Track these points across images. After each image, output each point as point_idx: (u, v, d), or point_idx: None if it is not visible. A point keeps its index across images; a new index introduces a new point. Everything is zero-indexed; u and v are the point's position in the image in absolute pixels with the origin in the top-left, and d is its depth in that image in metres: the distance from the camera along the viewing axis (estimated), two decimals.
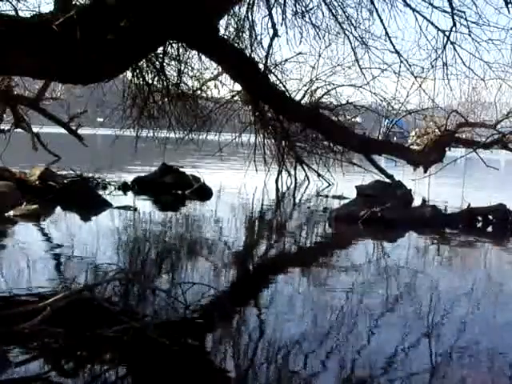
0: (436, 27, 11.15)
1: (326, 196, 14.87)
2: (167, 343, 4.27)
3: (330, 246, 9.43)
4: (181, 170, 14.72)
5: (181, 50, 10.89)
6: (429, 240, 9.85)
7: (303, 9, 11.29)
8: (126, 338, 4.34)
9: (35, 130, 18.48)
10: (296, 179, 16.89)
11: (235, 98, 14.93)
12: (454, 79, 12.58)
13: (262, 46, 11.72)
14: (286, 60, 14.03)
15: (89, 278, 6.14)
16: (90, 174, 14.57)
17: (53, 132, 19.85)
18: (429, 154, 13.08)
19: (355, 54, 12.24)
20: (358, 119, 19.41)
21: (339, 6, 11.54)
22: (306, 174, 17.11)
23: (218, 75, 13.19)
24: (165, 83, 11.30)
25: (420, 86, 12.96)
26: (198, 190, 13.66)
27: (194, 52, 10.85)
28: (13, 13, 7.57)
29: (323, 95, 15.30)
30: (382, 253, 8.63)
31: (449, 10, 10.78)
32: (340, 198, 13.88)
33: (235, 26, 11.25)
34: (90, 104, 17.94)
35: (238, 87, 13.51)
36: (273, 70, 12.93)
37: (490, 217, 10.84)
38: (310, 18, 11.50)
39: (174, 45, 10.49)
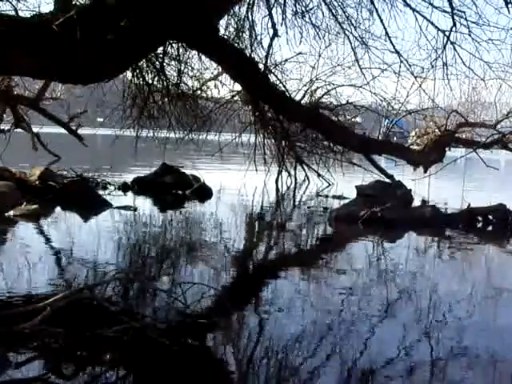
0: (436, 27, 11.17)
1: (326, 196, 14.86)
2: (167, 343, 4.27)
3: (330, 246, 9.42)
4: (181, 170, 14.72)
5: (181, 50, 10.90)
6: (429, 240, 9.86)
7: (303, 9, 11.30)
8: (126, 338, 4.34)
9: (35, 130, 18.48)
10: (296, 179, 16.89)
11: (235, 98, 14.93)
12: (454, 79, 12.60)
13: (262, 46, 11.75)
14: (286, 60, 14.05)
15: (89, 278, 6.14)
16: (90, 174, 14.57)
17: (53, 132, 19.85)
18: (429, 154, 13.08)
19: (355, 54, 12.27)
20: (358, 119, 19.41)
21: (339, 6, 11.56)
22: (306, 174, 17.11)
23: (218, 75, 13.20)
24: (165, 83, 11.31)
25: (420, 86, 12.98)
26: (198, 189, 13.66)
27: (194, 52, 10.85)
28: (13, 13, 7.58)
29: (323, 95, 15.31)
30: (382, 253, 8.63)
31: (449, 9, 10.80)
32: (340, 198, 13.88)
33: (235, 26, 11.27)
34: (90, 104, 17.94)
35: (238, 87, 13.53)
36: (273, 70, 12.93)
37: (490, 217, 10.84)
38: (309, 18, 11.52)
39: (173, 45, 10.49)
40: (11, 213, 9.42)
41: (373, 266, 7.63)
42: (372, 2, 11.21)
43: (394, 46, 11.71)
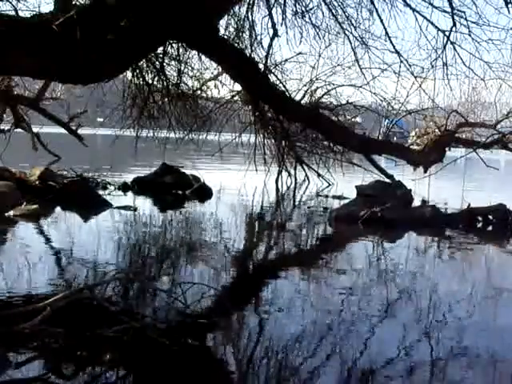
0: (436, 27, 11.17)
1: (326, 196, 14.86)
2: (167, 343, 4.27)
3: (330, 246, 9.42)
4: (181, 170, 14.72)
5: (181, 50, 10.90)
6: (429, 240, 9.86)
7: (303, 9, 11.30)
8: (126, 338, 4.34)
9: (35, 130, 18.48)
10: (296, 179, 16.89)
11: (235, 98, 14.93)
12: (454, 79, 12.60)
13: (262, 46, 11.75)
14: (286, 60, 14.05)
15: (89, 278, 6.14)
16: (90, 174, 14.58)
17: (53, 132, 19.85)
18: (429, 154, 13.09)
19: (355, 54, 12.27)
20: (358, 119, 19.41)
21: (339, 6, 11.56)
22: (306, 174, 17.11)
23: (218, 75, 13.20)
24: (165, 83, 11.31)
25: (420, 86, 12.98)
26: (198, 189, 13.65)
27: (194, 52, 10.85)
28: (13, 13, 7.58)
29: (323, 95, 15.31)
30: (382, 253, 8.63)
31: (449, 9, 10.80)
32: (340, 198, 13.88)
33: (235, 26, 11.27)
34: (90, 104, 17.95)
35: (238, 87, 13.54)
36: (273, 70, 12.93)
37: (490, 217, 10.84)
38: (309, 18, 11.52)
39: (174, 45, 10.49)
40: (11, 213, 9.42)
41: (373, 266, 7.63)
42: (372, 2, 11.22)
43: (394, 46, 11.73)
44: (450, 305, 5.81)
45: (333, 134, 12.66)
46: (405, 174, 14.85)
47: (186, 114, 12.96)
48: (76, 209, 10.80)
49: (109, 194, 12.64)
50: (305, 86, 15.12)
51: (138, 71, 10.87)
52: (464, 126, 14.58)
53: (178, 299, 5.16)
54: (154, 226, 10.27)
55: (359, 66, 12.66)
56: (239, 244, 8.98)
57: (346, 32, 11.83)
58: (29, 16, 6.91)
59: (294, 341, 4.65)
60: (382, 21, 11.20)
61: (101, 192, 12.56)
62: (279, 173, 16.53)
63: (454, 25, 10.90)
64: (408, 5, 11.21)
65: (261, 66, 11.14)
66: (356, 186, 12.81)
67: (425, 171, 13.50)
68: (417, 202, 12.59)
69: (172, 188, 13.97)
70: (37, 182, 12.09)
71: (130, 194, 13.48)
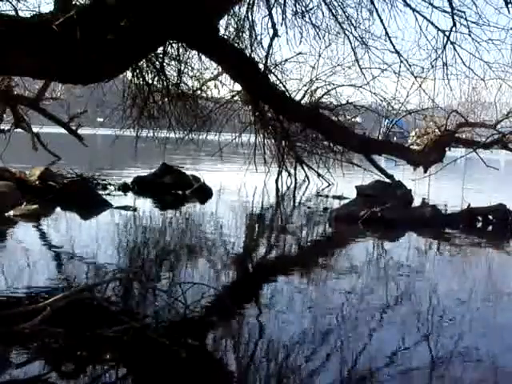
0: (436, 27, 11.18)
1: (326, 196, 14.86)
2: (167, 343, 4.27)
3: (330, 246, 9.43)
4: (181, 170, 14.72)
5: (181, 50, 10.91)
6: (429, 240, 9.85)
7: (303, 9, 11.31)
8: (126, 338, 4.34)
9: (35, 130, 18.52)
10: (296, 179, 16.89)
11: (235, 98, 14.94)
12: (454, 79, 12.64)
13: (262, 46, 11.75)
14: (286, 60, 14.05)
15: (89, 278, 6.14)
16: (90, 174, 14.58)
17: (53, 132, 19.87)
18: (429, 154, 13.09)
19: (355, 54, 12.28)
20: (358, 119, 19.41)
21: (339, 6, 11.57)
22: (306, 174, 17.11)
23: (218, 75, 13.20)
24: (165, 83, 11.31)
25: (420, 86, 12.99)
26: (198, 189, 13.65)
27: (194, 52, 10.86)
28: (13, 13, 7.58)
29: (323, 95, 15.31)
30: (382, 253, 8.63)
31: (449, 9, 10.81)
32: (340, 198, 13.88)
33: (235, 26, 11.27)
34: (90, 104, 17.97)
35: (238, 87, 13.54)
36: (273, 70, 12.94)
37: (490, 217, 10.84)
38: (309, 18, 11.53)
39: (174, 45, 10.49)
40: (11, 213, 9.42)
41: (373, 267, 7.63)
42: (372, 2, 11.23)
43: (394, 46, 11.74)
44: (450, 305, 5.81)
45: (333, 134, 12.66)
46: (405, 174, 14.85)
47: (186, 114, 12.97)
48: (76, 209, 10.80)
49: (109, 194, 12.64)
50: (305, 86, 15.14)
51: (138, 71, 10.88)
52: (464, 126, 14.59)
53: (178, 299, 5.16)
54: (153, 226, 10.27)
55: (359, 66, 12.68)
56: (239, 244, 8.97)
57: (346, 32, 11.85)
58: (29, 16, 6.91)
59: (294, 341, 4.65)
60: (381, 21, 11.22)
61: (101, 192, 12.55)
62: (279, 173, 16.53)
63: (454, 25, 10.91)
64: (408, 5, 11.22)
65: (261, 66, 11.14)
66: (356, 186, 12.81)
67: (425, 171, 13.50)
68: (417, 202, 12.59)
69: (172, 188, 13.96)
70: (37, 182, 12.09)
71: (129, 194, 13.47)
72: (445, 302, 5.91)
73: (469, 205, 10.94)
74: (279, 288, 6.29)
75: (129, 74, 11.17)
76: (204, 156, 20.64)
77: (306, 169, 17.00)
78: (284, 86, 13.11)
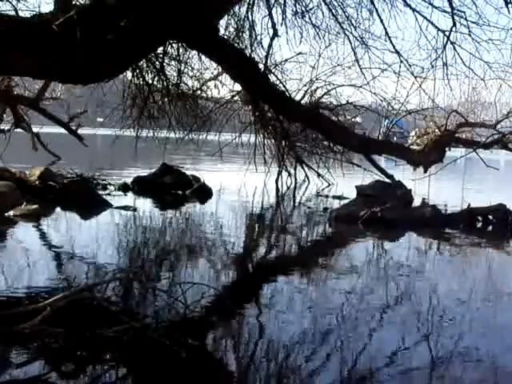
0: (436, 27, 11.17)
1: (326, 196, 14.87)
2: (167, 343, 4.27)
3: (330, 246, 9.43)
4: (181, 170, 14.72)
5: (181, 50, 10.90)
6: (429, 240, 9.85)
7: (303, 9, 11.30)
8: (126, 338, 4.34)
9: (35, 130, 18.51)
10: (296, 179, 16.89)
11: (235, 98, 14.94)
12: (454, 79, 12.62)
13: (262, 46, 11.75)
14: (286, 60, 14.06)
15: (89, 278, 6.14)
16: (90, 174, 14.58)
17: (53, 132, 19.87)
18: (429, 154, 13.09)
19: (355, 54, 12.27)
20: (358, 119, 19.42)
21: (339, 6, 11.56)
22: (306, 174, 17.11)
23: (218, 75, 13.20)
24: (165, 83, 11.30)
25: (420, 86, 12.98)
26: (198, 189, 13.66)
27: (194, 52, 10.85)
28: (13, 13, 7.58)
29: (323, 95, 15.32)
30: (382, 253, 8.63)
31: (449, 9, 10.80)
32: (340, 198, 13.89)
33: (235, 26, 11.27)
34: (90, 104, 17.97)
35: (238, 87, 13.54)
36: (273, 70, 12.94)
37: (490, 217, 10.84)
38: (309, 18, 11.53)
39: (174, 45, 10.49)
40: (11, 213, 9.42)
41: (373, 267, 7.63)
42: (372, 2, 11.22)
43: (394, 46, 11.73)
44: (450, 305, 5.81)
45: (333, 134, 12.66)
46: (405, 174, 14.85)
47: (186, 114, 12.96)
48: (76, 209, 10.80)
49: (109, 194, 12.64)
50: (305, 86, 15.15)
51: (138, 71, 10.87)
52: (464, 126, 14.59)
53: (178, 299, 5.16)
54: (153, 226, 10.27)
55: (359, 66, 12.67)
56: (239, 244, 8.97)
57: (346, 32, 11.84)
58: (29, 16, 6.90)
59: (294, 341, 4.65)
60: (381, 21, 11.21)
61: (101, 192, 12.56)
62: (279, 173, 16.53)
63: (454, 25, 10.91)
64: (408, 5, 11.22)
65: (261, 66, 11.14)
66: (356, 186, 12.81)
67: (425, 171, 13.50)
68: (417, 202, 12.59)
69: (172, 188, 13.96)
70: (37, 182, 12.09)
71: (129, 194, 13.47)
72: (445, 302, 5.91)
73: (469, 205, 10.94)
74: (279, 288, 6.29)
75: (129, 74, 11.17)
76: (204, 156, 20.64)
77: (306, 169, 17.00)
78: (284, 86, 13.13)
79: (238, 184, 15.75)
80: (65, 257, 7.22)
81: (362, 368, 4.23)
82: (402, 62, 11.92)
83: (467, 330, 5.13)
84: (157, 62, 10.73)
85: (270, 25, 10.96)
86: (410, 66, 12.00)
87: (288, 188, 16.38)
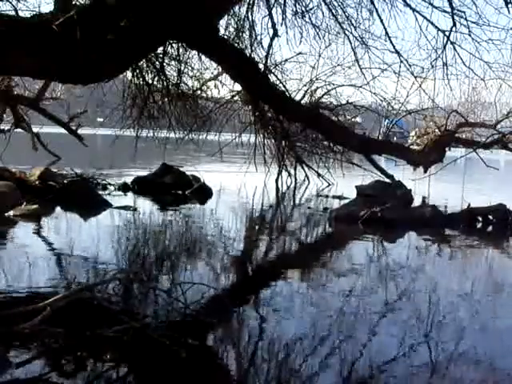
0: (436, 27, 11.18)
1: (326, 196, 14.86)
2: (167, 343, 4.27)
3: (330, 246, 9.43)
4: (181, 170, 14.72)
5: (181, 50, 10.90)
6: (429, 240, 9.85)
7: (303, 9, 11.31)
8: (126, 338, 4.34)
9: (35, 130, 18.51)
10: (296, 179, 16.89)
11: (235, 98, 14.95)
12: (454, 79, 12.63)
13: (262, 46, 11.76)
14: (286, 60, 14.07)
15: (89, 278, 6.14)
16: (90, 174, 14.57)
17: (53, 132, 19.86)
18: (429, 154, 13.10)
19: (355, 54, 12.28)
20: (358, 119, 19.43)
21: (339, 6, 11.57)
22: (306, 174, 17.11)
23: (218, 75, 13.20)
24: (165, 83, 11.30)
25: (420, 86, 12.99)
26: (198, 189, 13.65)
27: (194, 52, 10.85)
28: (13, 13, 7.58)
29: (323, 95, 15.33)
30: (382, 253, 8.63)
31: (449, 9, 10.81)
32: (340, 198, 13.88)
33: (235, 26, 11.27)
34: (90, 104, 17.96)
35: (238, 87, 13.54)
36: (273, 70, 12.94)
37: (490, 217, 10.84)
38: (309, 18, 11.53)
39: (174, 45, 10.49)
40: (11, 213, 9.42)
41: (373, 267, 7.63)
42: (372, 2, 11.23)
43: (394, 46, 11.74)
44: (450, 305, 5.81)
45: (333, 134, 12.67)
46: (405, 174, 14.85)
47: (186, 114, 12.96)
48: (76, 209, 10.80)
49: (109, 194, 12.64)
50: (305, 86, 15.16)
51: (138, 71, 10.87)
52: (464, 126, 14.60)
53: (178, 299, 5.16)
54: (153, 226, 10.27)
55: (359, 66, 12.68)
56: (239, 244, 8.98)
57: (346, 32, 11.85)
58: (29, 16, 6.91)
59: (294, 341, 4.65)
60: (381, 21, 11.22)
61: (101, 192, 12.56)
62: (279, 173, 16.53)
63: (454, 25, 10.91)
64: (408, 5, 11.22)
65: (261, 66, 11.14)
66: (356, 186, 12.81)
67: (425, 171, 13.51)
68: (417, 202, 12.59)
69: (172, 188, 13.96)
70: (37, 182, 12.09)
71: (129, 194, 13.47)
72: (445, 303, 5.91)
73: (469, 205, 10.94)
74: (279, 288, 6.29)
75: (129, 73, 11.17)
76: (204, 156, 20.63)
77: (306, 169, 17.00)
78: (284, 86, 13.13)
79: (238, 184, 15.75)
80: (65, 257, 7.22)
81: (362, 368, 4.23)
82: (401, 62, 11.94)
83: (467, 330, 5.12)
84: (157, 62, 10.73)
85: (270, 25, 10.99)
86: (410, 66, 12.03)
87: (288, 188, 16.38)
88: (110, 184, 14.07)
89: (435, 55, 11.50)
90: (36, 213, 9.53)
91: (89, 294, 4.97)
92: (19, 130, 17.96)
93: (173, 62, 11.21)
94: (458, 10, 10.79)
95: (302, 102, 14.46)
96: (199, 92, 13.24)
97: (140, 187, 13.89)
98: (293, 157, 16.58)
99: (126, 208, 10.91)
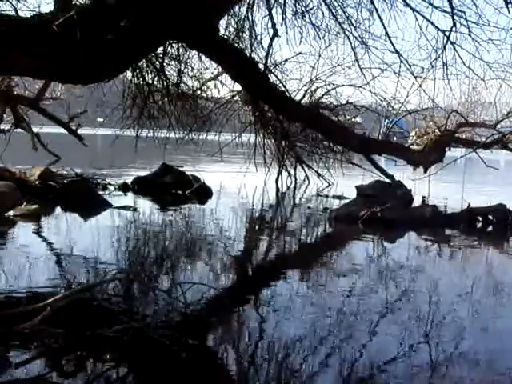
0: (436, 27, 11.17)
1: (326, 196, 14.87)
2: (167, 343, 4.27)
3: (330, 246, 9.43)
4: (181, 170, 14.72)
5: (181, 50, 10.90)
6: (429, 240, 9.85)
7: (303, 9, 11.30)
8: (126, 338, 4.34)
9: (35, 130, 18.51)
10: (296, 179, 16.89)
11: (235, 98, 14.95)
12: (454, 79, 12.60)
13: (262, 46, 11.75)
14: (286, 60, 14.07)
15: (89, 278, 6.14)
16: (90, 174, 14.57)
17: (53, 132, 19.86)
18: (429, 154, 13.10)
19: (355, 54, 12.27)
20: (358, 119, 19.43)
21: (339, 6, 11.56)
22: (306, 174, 17.11)
23: (218, 75, 13.20)
24: (165, 83, 11.30)
25: (420, 86, 12.98)
26: (198, 189, 13.66)
27: (194, 52, 10.85)
28: (13, 13, 7.57)
29: (323, 95, 15.33)
30: (382, 253, 8.63)
31: (449, 9, 10.79)
32: (340, 198, 13.89)
33: (235, 26, 11.26)
34: (90, 104, 17.96)
35: (238, 87, 13.54)
36: (273, 70, 12.94)
37: (490, 217, 10.85)
38: (309, 18, 11.52)
39: (174, 45, 10.48)
40: (11, 213, 9.42)
41: (373, 267, 7.63)
42: (372, 2, 11.22)
43: (394, 46, 11.73)
44: (450, 305, 5.81)
45: (333, 134, 12.66)
46: (405, 174, 14.85)
47: (186, 114, 12.96)
48: (76, 209, 10.80)
49: (109, 194, 12.64)
50: (305, 86, 15.17)
51: (138, 71, 10.87)
52: (464, 126, 14.60)
53: (178, 299, 5.16)
54: (153, 226, 10.26)
55: (359, 66, 12.67)
56: (239, 244, 8.98)
57: (346, 32, 11.84)
58: (29, 16, 6.90)
59: (294, 341, 4.65)
60: (381, 21, 11.21)
61: (101, 192, 12.57)
62: (279, 173, 16.53)
63: (454, 25, 10.90)
64: (408, 5, 11.21)
65: (261, 66, 11.13)
66: (356, 186, 12.81)
67: (425, 171, 13.50)
68: (417, 202, 12.59)
69: (172, 188, 13.96)
70: (37, 182, 12.09)
71: (129, 194, 13.48)
72: (445, 303, 5.91)
73: (469, 205, 10.94)
74: (279, 288, 6.29)
75: (129, 74, 11.16)
76: (204, 156, 20.63)
77: (306, 169, 17.00)
78: (284, 86, 13.13)
79: (237, 184, 15.75)
80: (65, 257, 7.22)
81: (362, 368, 4.23)
82: (401, 62, 11.93)
83: (467, 330, 5.12)
84: (157, 62, 10.73)
85: (270, 25, 10.98)
86: (410, 65, 12.01)
87: (288, 188, 16.38)
88: (110, 184, 14.07)
89: (435, 55, 11.50)
90: (36, 213, 9.53)
91: (89, 294, 4.97)
92: (19, 129, 17.97)
93: (173, 62, 11.21)
94: (458, 10, 10.79)
95: (302, 102, 14.46)
96: (199, 92, 13.24)
97: (140, 187, 13.89)
98: (293, 157, 16.58)
99: (126, 208, 10.91)
